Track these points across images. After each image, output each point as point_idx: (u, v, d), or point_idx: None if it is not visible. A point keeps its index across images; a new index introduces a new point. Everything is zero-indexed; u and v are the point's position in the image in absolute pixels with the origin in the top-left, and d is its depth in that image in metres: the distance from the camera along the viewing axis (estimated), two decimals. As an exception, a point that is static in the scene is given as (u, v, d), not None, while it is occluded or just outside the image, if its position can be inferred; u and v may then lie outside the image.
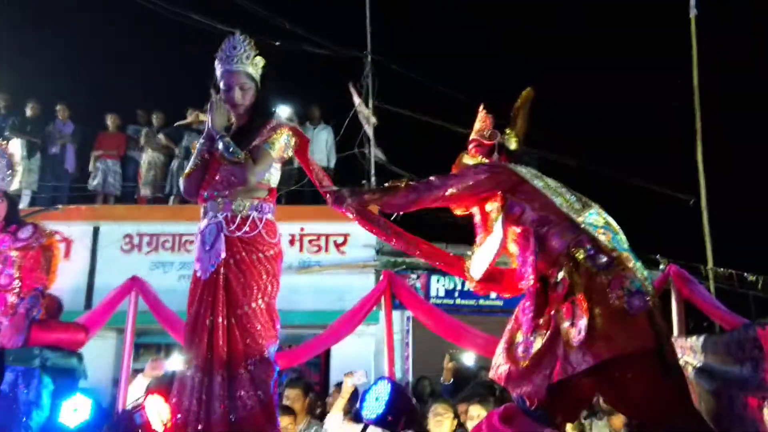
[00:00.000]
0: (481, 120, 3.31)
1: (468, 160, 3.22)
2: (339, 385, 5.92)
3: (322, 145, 9.71)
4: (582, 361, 2.42)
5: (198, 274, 2.83)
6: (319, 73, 10.88)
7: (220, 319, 2.70)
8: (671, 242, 10.63)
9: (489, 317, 9.19)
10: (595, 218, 2.74)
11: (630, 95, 13.13)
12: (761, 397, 2.32)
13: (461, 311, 8.82)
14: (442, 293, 9.24)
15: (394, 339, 4.83)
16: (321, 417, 5.41)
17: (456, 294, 9.25)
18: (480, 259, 3.02)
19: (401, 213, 3.23)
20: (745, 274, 10.17)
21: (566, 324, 2.52)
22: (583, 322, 2.45)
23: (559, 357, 2.50)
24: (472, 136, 3.30)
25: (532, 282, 2.71)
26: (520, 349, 2.67)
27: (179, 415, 2.66)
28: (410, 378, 8.12)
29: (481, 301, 9.40)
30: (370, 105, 9.98)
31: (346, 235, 9.09)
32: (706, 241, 10.46)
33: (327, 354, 8.36)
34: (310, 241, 8.96)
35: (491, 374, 2.85)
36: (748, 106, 13.00)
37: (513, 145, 3.20)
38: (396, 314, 6.49)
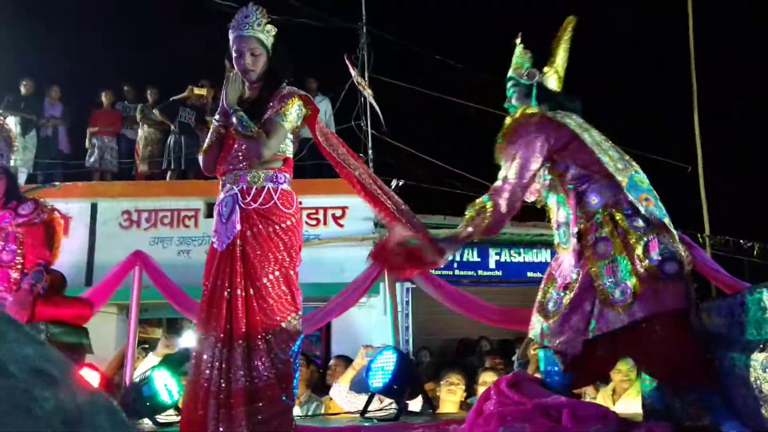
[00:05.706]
0: (519, 56, 3.02)
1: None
2: (339, 357, 5.95)
3: (322, 116, 9.55)
4: (617, 320, 2.47)
5: (215, 246, 2.84)
6: (316, 45, 10.75)
7: (239, 291, 2.71)
8: (668, 210, 10.63)
9: (488, 288, 9.25)
10: (640, 178, 2.67)
11: (626, 62, 13.05)
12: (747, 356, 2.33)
13: (461, 282, 8.83)
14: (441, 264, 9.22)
15: (395, 311, 4.84)
16: (322, 389, 5.45)
17: (455, 265, 9.28)
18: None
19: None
20: (741, 240, 10.24)
21: (606, 281, 2.54)
22: (630, 283, 2.48)
23: (593, 315, 2.54)
24: (510, 73, 3.03)
25: (574, 240, 2.66)
26: (551, 305, 2.68)
27: (199, 385, 2.66)
28: (410, 348, 8.18)
29: (480, 272, 9.45)
30: (366, 77, 9.90)
31: (344, 208, 9.08)
32: (703, 209, 10.50)
33: (328, 326, 8.40)
34: (308, 215, 8.93)
35: (530, 335, 2.78)
36: (744, 72, 12.96)
37: (553, 83, 2.96)
38: (395, 286, 6.49)
